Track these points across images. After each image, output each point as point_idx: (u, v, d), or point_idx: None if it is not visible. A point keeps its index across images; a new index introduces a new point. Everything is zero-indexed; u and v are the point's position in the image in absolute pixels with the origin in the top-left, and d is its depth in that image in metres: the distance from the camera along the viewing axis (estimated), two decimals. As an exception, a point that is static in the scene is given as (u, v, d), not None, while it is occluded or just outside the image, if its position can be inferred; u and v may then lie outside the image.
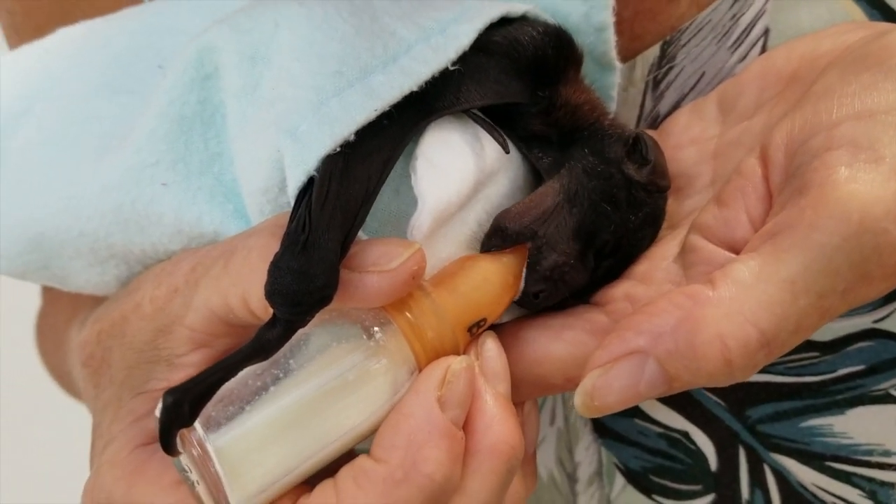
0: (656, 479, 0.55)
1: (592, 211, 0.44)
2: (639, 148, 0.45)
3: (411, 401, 0.40)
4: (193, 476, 0.40)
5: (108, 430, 0.45)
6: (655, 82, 0.52)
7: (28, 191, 0.50)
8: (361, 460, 0.40)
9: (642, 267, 0.45)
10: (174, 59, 0.48)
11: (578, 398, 0.39)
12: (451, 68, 0.42)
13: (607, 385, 0.39)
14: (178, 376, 0.44)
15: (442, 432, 0.39)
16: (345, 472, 0.40)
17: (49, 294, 0.67)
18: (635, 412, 0.54)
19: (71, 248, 0.50)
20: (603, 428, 0.56)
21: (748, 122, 0.47)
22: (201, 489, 0.40)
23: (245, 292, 0.42)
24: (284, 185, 0.43)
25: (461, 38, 0.43)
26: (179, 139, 0.47)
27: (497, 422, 0.41)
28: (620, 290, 0.44)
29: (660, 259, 0.45)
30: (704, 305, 0.38)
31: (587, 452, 0.56)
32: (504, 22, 0.45)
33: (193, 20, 0.50)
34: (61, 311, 0.61)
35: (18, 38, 0.59)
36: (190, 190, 0.47)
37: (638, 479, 0.56)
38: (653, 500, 0.56)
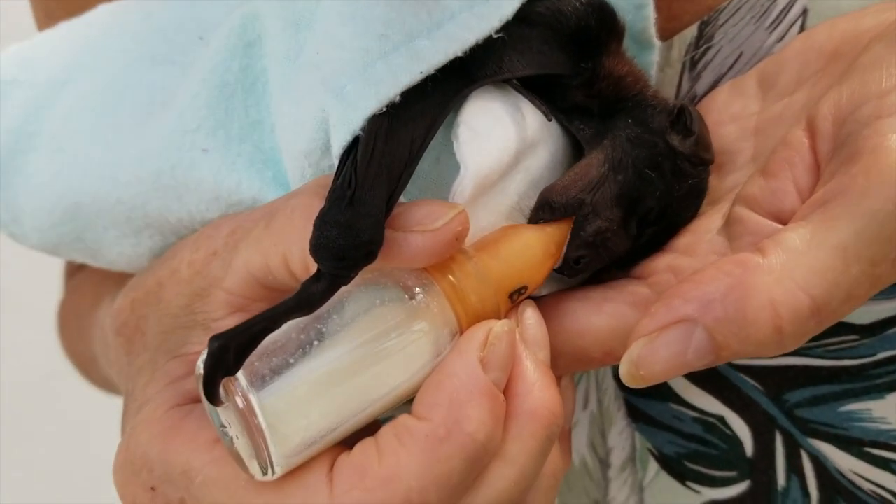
0: (690, 465, 0.54)
1: (637, 177, 0.44)
2: (683, 119, 0.45)
3: (454, 361, 0.40)
4: (231, 432, 0.40)
5: (142, 393, 0.45)
6: (693, 63, 0.52)
7: (67, 159, 0.50)
8: (404, 418, 0.40)
9: (685, 240, 0.45)
10: (216, 29, 0.48)
11: (624, 367, 0.39)
12: (495, 36, 0.42)
13: (654, 353, 0.38)
14: None
15: (484, 392, 0.39)
16: (386, 430, 0.40)
17: (72, 283, 0.67)
18: (670, 396, 0.54)
19: (107, 216, 0.49)
20: (637, 412, 0.55)
21: (789, 98, 0.47)
22: (240, 444, 0.39)
23: (286, 252, 0.42)
24: (327, 148, 0.43)
25: (505, 7, 0.43)
26: (220, 105, 0.47)
27: (538, 387, 0.41)
28: (663, 263, 0.44)
29: (703, 231, 0.44)
30: (755, 272, 0.37)
31: (620, 437, 0.56)
32: None
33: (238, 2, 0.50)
34: (85, 298, 0.61)
35: (51, 24, 0.59)
36: (230, 156, 0.47)
37: (672, 465, 0.55)
38: (686, 486, 0.55)
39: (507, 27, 0.43)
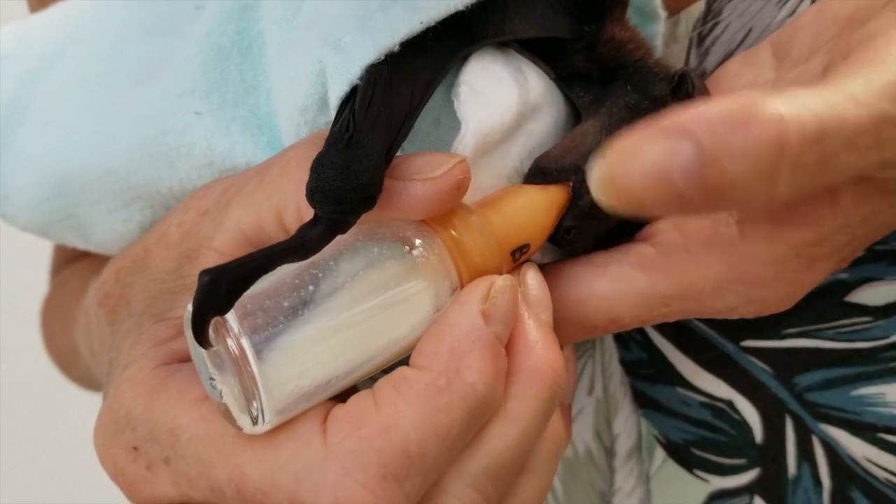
0: (698, 453, 0.53)
1: None
2: (684, 86, 0.44)
3: (455, 312, 0.39)
4: (220, 385, 0.38)
5: (127, 355, 0.43)
6: (700, 38, 0.51)
7: (57, 131, 0.49)
8: (402, 370, 0.38)
9: None
10: None
11: (597, 173, 0.34)
12: None
13: (634, 159, 0.33)
14: None
15: (486, 343, 0.38)
16: (384, 381, 0.38)
17: (58, 279, 0.66)
18: (677, 380, 0.52)
19: (97, 189, 0.48)
20: (643, 397, 0.53)
21: (804, 65, 0.46)
22: (229, 396, 0.38)
23: (280, 205, 0.41)
24: (324, 103, 0.42)
25: None
26: (216, 68, 0.46)
27: (540, 345, 0.40)
28: (667, 223, 0.43)
29: None
30: (763, 94, 0.33)
31: (626, 424, 0.54)
32: None
33: None
34: (71, 293, 0.60)
35: (43, 8, 0.58)
36: (224, 120, 0.46)
37: (679, 453, 0.53)
38: (694, 475, 0.53)
39: None
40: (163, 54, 0.48)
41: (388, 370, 0.39)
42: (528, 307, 0.40)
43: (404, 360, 0.40)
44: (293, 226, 0.40)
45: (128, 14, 0.51)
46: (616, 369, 0.54)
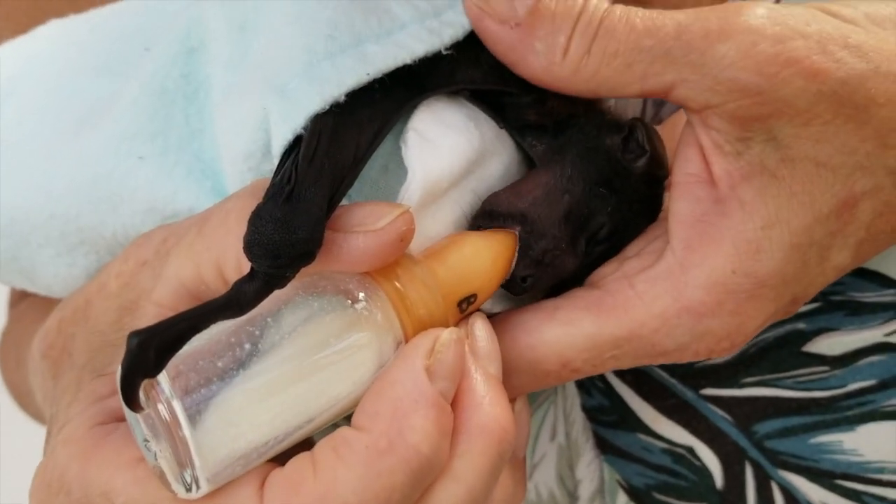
0: (660, 497, 0.53)
1: (587, 194, 0.43)
2: (635, 136, 0.44)
3: (398, 368, 0.38)
4: (154, 447, 0.37)
5: (65, 413, 0.42)
6: None
7: (2, 172, 0.49)
8: (342, 430, 0.38)
9: (635, 246, 0.44)
10: (161, 35, 0.48)
11: None
12: (445, 52, 0.42)
13: None
14: None
15: (430, 402, 0.37)
16: (323, 443, 0.37)
17: (15, 312, 0.66)
18: (639, 426, 0.53)
19: (41, 233, 0.48)
20: (605, 443, 0.54)
21: None
22: (163, 460, 0.37)
23: (220, 257, 0.40)
24: (268, 149, 0.42)
25: (456, 27, 0.42)
26: (160, 112, 0.46)
27: (488, 401, 0.39)
28: (612, 266, 0.43)
29: (650, 240, 0.44)
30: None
31: (589, 469, 0.55)
32: None
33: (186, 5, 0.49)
34: (25, 328, 0.59)
35: None
36: (167, 165, 0.46)
37: (641, 497, 0.54)
38: (656, 519, 0.54)
39: (458, 43, 0.42)
40: (110, 95, 0.48)
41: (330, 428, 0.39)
42: (475, 360, 0.40)
43: (348, 418, 0.39)
44: (234, 278, 0.39)
45: (78, 54, 0.50)
46: (578, 415, 0.54)
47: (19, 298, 0.66)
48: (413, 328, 0.39)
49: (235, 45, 0.45)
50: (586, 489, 0.55)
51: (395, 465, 0.36)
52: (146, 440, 0.38)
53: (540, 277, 0.42)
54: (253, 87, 0.42)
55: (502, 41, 0.41)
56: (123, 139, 0.46)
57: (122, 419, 0.41)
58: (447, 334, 0.39)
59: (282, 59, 0.41)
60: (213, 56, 0.46)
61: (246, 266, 0.38)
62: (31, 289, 0.52)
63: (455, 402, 0.39)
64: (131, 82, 0.47)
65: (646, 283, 0.41)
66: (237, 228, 0.39)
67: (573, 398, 0.54)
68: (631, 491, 0.54)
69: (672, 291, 0.41)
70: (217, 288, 0.41)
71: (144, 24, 0.49)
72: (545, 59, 0.41)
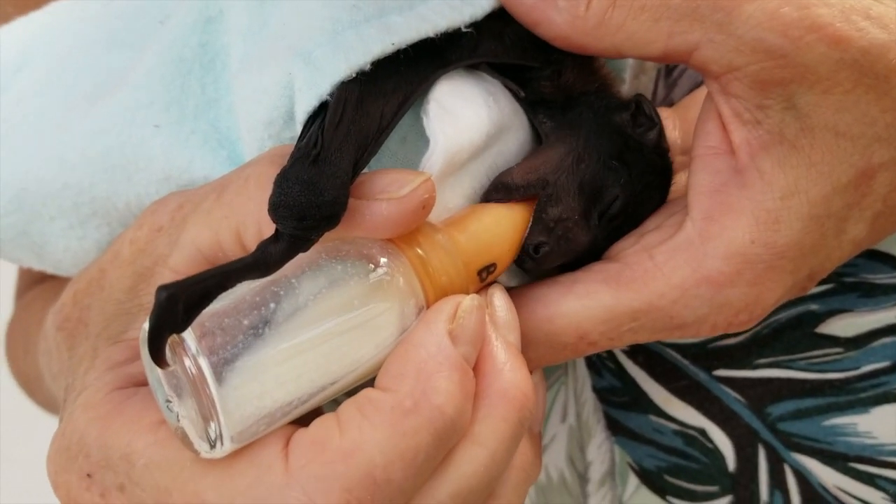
0: (671, 480, 0.53)
1: (600, 167, 0.43)
2: (643, 110, 0.45)
3: (421, 331, 0.38)
4: (176, 407, 0.37)
5: (82, 381, 0.42)
6: (668, 70, 0.51)
7: (15, 144, 0.48)
8: (366, 391, 0.38)
9: (654, 220, 0.44)
10: (177, 9, 0.47)
11: None
12: (465, 30, 0.42)
13: None
14: None
15: (453, 364, 0.37)
16: (348, 404, 0.38)
17: (22, 302, 0.65)
18: (651, 408, 0.53)
19: (53, 204, 0.48)
20: (617, 425, 0.54)
21: None
22: (186, 418, 0.37)
23: (239, 224, 0.40)
24: (289, 117, 0.42)
25: (476, 7, 0.42)
26: (176, 81, 0.46)
27: (508, 367, 0.39)
28: (631, 240, 0.43)
29: (669, 214, 0.44)
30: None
31: (599, 451, 0.54)
32: None
33: None
34: (34, 315, 0.59)
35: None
36: (182, 133, 0.45)
37: (652, 480, 0.54)
38: (667, 501, 0.53)
39: (479, 21, 0.42)
40: (124, 68, 0.48)
41: (352, 392, 0.39)
42: (495, 329, 0.40)
43: (369, 382, 0.39)
44: (253, 245, 0.39)
45: (91, 28, 0.50)
46: (589, 397, 0.54)
47: (26, 288, 0.66)
48: (434, 294, 0.40)
49: (254, 16, 0.45)
50: (597, 471, 0.55)
51: (420, 425, 0.37)
52: (168, 400, 0.37)
53: (552, 249, 0.42)
54: (275, 56, 0.42)
55: (524, 2, 0.41)
56: (139, 108, 0.46)
57: (141, 384, 0.41)
58: (469, 300, 0.39)
59: (305, 28, 0.41)
60: (231, 25, 0.46)
61: (267, 232, 0.38)
62: (37, 266, 0.52)
63: (476, 368, 0.39)
64: (146, 54, 0.47)
65: (665, 255, 0.41)
66: (257, 194, 0.39)
67: (584, 379, 0.54)
68: (642, 473, 0.54)
69: (691, 262, 0.41)
70: (235, 254, 0.40)
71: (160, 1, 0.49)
72: (568, 14, 0.41)
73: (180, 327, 0.36)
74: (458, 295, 0.40)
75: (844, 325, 0.49)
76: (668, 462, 0.53)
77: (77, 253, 0.49)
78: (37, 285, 0.64)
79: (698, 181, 0.42)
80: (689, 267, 0.41)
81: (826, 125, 0.40)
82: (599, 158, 0.43)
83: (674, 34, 0.40)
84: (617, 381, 0.53)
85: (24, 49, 0.51)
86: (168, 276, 0.41)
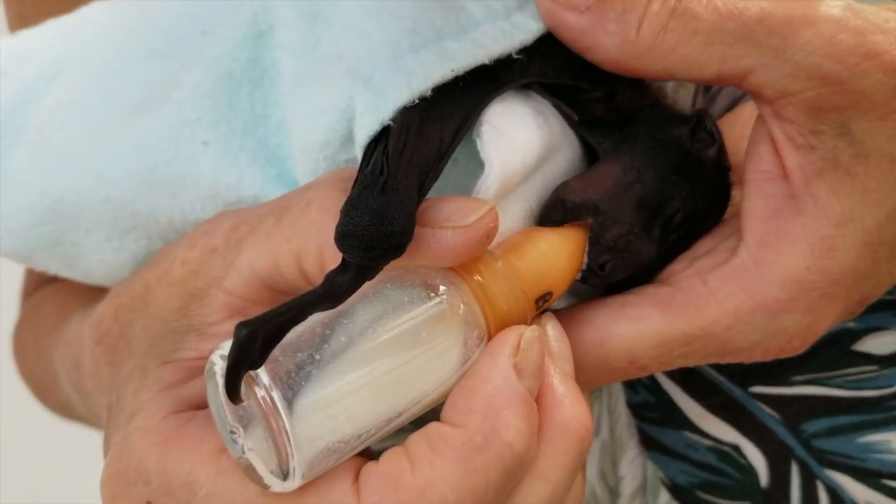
0: (703, 496, 0.53)
1: (660, 182, 0.43)
2: (704, 126, 0.44)
3: (487, 365, 0.38)
4: (241, 438, 0.37)
5: (132, 401, 0.41)
6: (707, 85, 0.51)
7: (52, 154, 0.47)
8: (435, 426, 0.37)
9: (706, 244, 0.44)
10: (222, 23, 0.47)
11: None
12: (516, 57, 0.42)
13: None
14: (210, 346, 0.41)
15: (520, 399, 0.37)
16: (417, 438, 0.37)
17: (30, 302, 0.64)
18: (685, 424, 0.53)
19: (91, 216, 0.47)
20: (650, 440, 0.54)
21: None
22: (252, 452, 0.37)
23: (300, 249, 0.39)
24: (346, 139, 0.41)
25: (526, 33, 0.42)
26: (224, 97, 0.45)
27: (569, 400, 0.39)
28: (683, 264, 0.43)
29: (722, 238, 0.43)
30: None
31: (632, 466, 0.54)
32: None
33: None
34: (46, 317, 0.58)
35: (25, 26, 0.57)
36: (231, 151, 0.45)
37: (684, 496, 0.54)
38: (699, 517, 0.54)
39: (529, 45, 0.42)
40: (165, 79, 0.47)
41: (417, 422, 0.39)
42: (551, 359, 0.40)
43: (430, 413, 0.39)
44: (313, 271, 0.39)
45: (128, 36, 0.49)
46: (623, 411, 0.54)
47: (34, 288, 0.65)
48: (495, 323, 0.39)
49: (307, 34, 0.44)
50: (628, 486, 0.54)
51: (491, 462, 0.36)
52: (232, 431, 0.37)
53: (617, 264, 0.42)
54: (332, 77, 0.41)
55: (573, 28, 0.41)
56: (185, 124, 0.45)
57: (196, 407, 0.40)
58: (530, 332, 0.39)
59: (364, 51, 0.41)
60: (282, 42, 0.45)
61: (328, 259, 0.38)
62: (67, 274, 0.51)
63: (537, 400, 0.39)
64: (191, 66, 0.46)
65: (719, 280, 0.41)
66: (319, 220, 0.39)
67: (618, 394, 0.54)
68: (674, 489, 0.54)
69: (746, 288, 0.41)
70: (294, 279, 0.40)
71: (198, 9, 0.48)
72: (618, 38, 0.40)
73: (257, 363, 0.35)
74: (520, 325, 0.39)
75: (880, 343, 0.50)
76: (700, 478, 0.53)
77: (111, 265, 0.48)
78: (46, 285, 0.63)
79: (752, 206, 0.42)
80: (743, 293, 0.41)
81: (881, 152, 0.40)
82: (658, 173, 0.43)
83: (728, 58, 0.40)
84: (651, 397, 0.53)
85: (60, 56, 0.50)
86: (222, 299, 0.41)
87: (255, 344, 0.35)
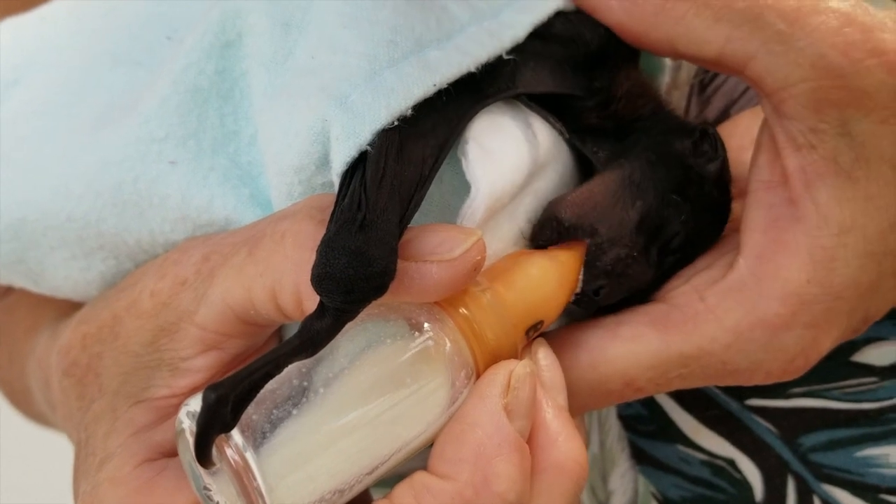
0: (696, 511, 0.51)
1: (660, 202, 0.41)
2: (708, 140, 0.42)
3: (476, 408, 0.36)
4: (217, 496, 0.35)
5: (102, 445, 0.40)
6: (702, 86, 0.49)
7: (12, 169, 0.44)
8: (422, 477, 0.36)
9: (704, 259, 0.42)
10: (190, 27, 0.44)
11: None
12: (506, 58, 0.39)
13: None
14: (183, 383, 0.40)
15: (512, 445, 0.35)
16: (403, 490, 0.35)
17: (3, 303, 0.62)
18: (679, 438, 0.51)
19: (55, 235, 0.44)
20: (642, 454, 0.52)
21: None
22: None
23: (275, 284, 0.37)
24: (322, 163, 0.38)
25: (517, 28, 0.40)
26: (192, 112, 0.42)
27: (563, 437, 0.37)
28: (679, 280, 0.41)
29: (721, 253, 0.42)
30: None
31: (622, 480, 0.52)
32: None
33: None
34: (19, 322, 0.55)
35: None
36: (201, 170, 0.42)
37: (677, 510, 0.52)
38: (691, 532, 0.52)
39: (519, 46, 0.40)
40: (132, 88, 0.44)
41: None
42: (543, 391, 0.38)
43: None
44: (289, 307, 0.37)
45: (92, 41, 0.46)
46: (614, 424, 0.52)
47: (4, 292, 0.62)
48: (483, 359, 0.37)
49: (279, 44, 0.41)
50: (618, 501, 0.53)
51: None
52: (206, 488, 0.35)
53: (612, 289, 0.40)
54: (305, 94, 0.38)
55: None
56: (153, 141, 0.42)
57: (169, 454, 0.39)
58: (521, 368, 0.37)
59: (339, 66, 0.38)
60: (252, 52, 0.42)
61: (305, 294, 0.36)
62: (33, 289, 0.48)
63: (529, 438, 0.37)
64: (156, 76, 0.43)
65: (717, 296, 0.39)
66: (294, 254, 0.36)
67: (609, 406, 0.52)
68: (665, 503, 0.52)
69: (745, 303, 0.39)
70: (269, 314, 0.38)
71: (165, 11, 0.45)
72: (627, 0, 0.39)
73: (230, 426, 0.33)
74: (510, 361, 0.37)
75: (880, 354, 0.48)
76: (693, 492, 0.51)
77: (79, 282, 0.45)
78: (15, 289, 0.60)
79: (751, 218, 0.40)
80: (742, 309, 0.39)
81: (882, 157, 0.38)
82: (658, 192, 0.41)
83: (732, 39, 0.38)
84: (644, 410, 0.51)
85: (20, 61, 0.47)
86: (194, 333, 0.39)
87: (225, 408, 0.33)
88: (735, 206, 0.44)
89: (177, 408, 0.40)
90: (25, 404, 0.59)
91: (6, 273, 0.47)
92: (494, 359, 0.37)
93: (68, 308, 0.47)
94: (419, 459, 0.37)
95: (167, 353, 0.40)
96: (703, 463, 0.51)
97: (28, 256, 0.45)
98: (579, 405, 0.40)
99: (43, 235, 0.44)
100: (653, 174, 0.41)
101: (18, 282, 0.48)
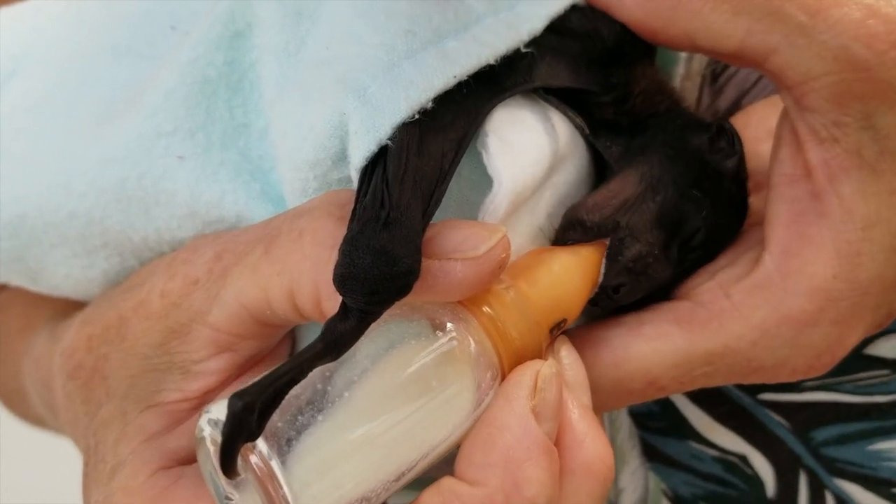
0: (707, 507, 0.51)
1: (679, 197, 0.40)
2: (725, 136, 0.42)
3: (504, 411, 0.35)
4: None
5: (113, 452, 0.38)
6: (714, 76, 0.49)
7: (10, 164, 0.43)
8: (450, 483, 0.35)
9: (727, 255, 0.41)
10: (194, 17, 0.42)
11: None
12: (524, 51, 0.38)
13: None
14: (196, 386, 0.39)
15: (541, 448, 0.34)
16: (430, 496, 0.34)
17: None
18: (691, 434, 0.50)
19: (56, 232, 0.42)
20: (653, 451, 0.51)
21: None
22: None
23: (293, 284, 0.36)
24: (339, 158, 0.37)
25: (534, 20, 0.39)
26: (200, 104, 0.41)
27: (589, 438, 0.36)
28: (703, 277, 0.40)
29: (745, 249, 0.41)
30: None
31: (633, 478, 0.52)
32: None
33: None
34: (13, 319, 0.53)
35: None
36: (210, 165, 0.40)
37: (687, 507, 0.51)
38: (702, 529, 0.51)
39: (536, 38, 0.39)
40: (135, 81, 0.42)
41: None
42: (568, 391, 0.37)
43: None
44: (308, 307, 0.36)
45: (93, 33, 0.44)
46: (625, 421, 0.51)
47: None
48: (508, 359, 0.36)
49: (290, 34, 0.40)
50: (628, 498, 0.52)
51: None
52: (228, 498, 0.34)
53: (632, 288, 0.39)
54: (320, 86, 0.37)
55: None
56: (159, 136, 0.41)
57: (184, 462, 0.38)
58: (547, 368, 0.36)
59: (355, 57, 0.37)
60: (262, 42, 0.41)
61: (324, 295, 0.35)
62: (31, 288, 0.47)
63: (556, 439, 0.36)
64: (162, 67, 0.42)
65: (742, 293, 0.39)
66: (313, 253, 0.35)
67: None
68: (676, 500, 0.51)
69: (771, 300, 0.38)
70: (286, 314, 0.37)
71: (168, 1, 0.44)
72: None
73: (255, 436, 0.32)
74: (535, 361, 0.36)
75: (893, 347, 0.48)
76: (704, 489, 0.51)
77: (80, 280, 0.44)
78: (6, 287, 0.59)
79: (775, 212, 0.39)
80: (769, 306, 0.38)
81: None
82: (677, 187, 0.40)
83: (753, 32, 0.37)
84: (655, 406, 0.50)
85: (16, 52, 0.45)
86: (206, 334, 0.38)
87: (251, 416, 0.32)
88: (753, 199, 0.43)
89: (189, 412, 0.39)
90: (20, 405, 0.57)
91: (3, 271, 0.46)
92: (519, 359, 0.36)
93: (64, 307, 0.46)
94: (444, 463, 0.36)
95: (178, 355, 0.38)
96: (714, 459, 0.50)
97: (27, 254, 0.44)
98: (600, 404, 0.40)
99: (43, 232, 0.43)
100: (671, 169, 0.40)
101: (16, 280, 0.46)
